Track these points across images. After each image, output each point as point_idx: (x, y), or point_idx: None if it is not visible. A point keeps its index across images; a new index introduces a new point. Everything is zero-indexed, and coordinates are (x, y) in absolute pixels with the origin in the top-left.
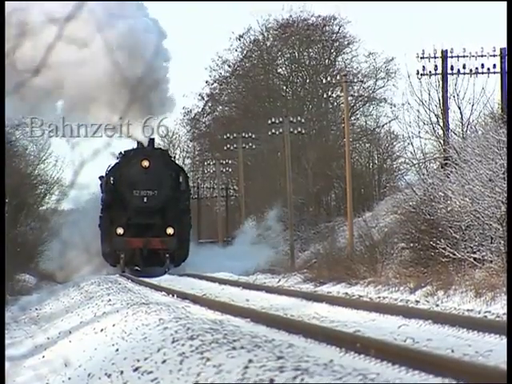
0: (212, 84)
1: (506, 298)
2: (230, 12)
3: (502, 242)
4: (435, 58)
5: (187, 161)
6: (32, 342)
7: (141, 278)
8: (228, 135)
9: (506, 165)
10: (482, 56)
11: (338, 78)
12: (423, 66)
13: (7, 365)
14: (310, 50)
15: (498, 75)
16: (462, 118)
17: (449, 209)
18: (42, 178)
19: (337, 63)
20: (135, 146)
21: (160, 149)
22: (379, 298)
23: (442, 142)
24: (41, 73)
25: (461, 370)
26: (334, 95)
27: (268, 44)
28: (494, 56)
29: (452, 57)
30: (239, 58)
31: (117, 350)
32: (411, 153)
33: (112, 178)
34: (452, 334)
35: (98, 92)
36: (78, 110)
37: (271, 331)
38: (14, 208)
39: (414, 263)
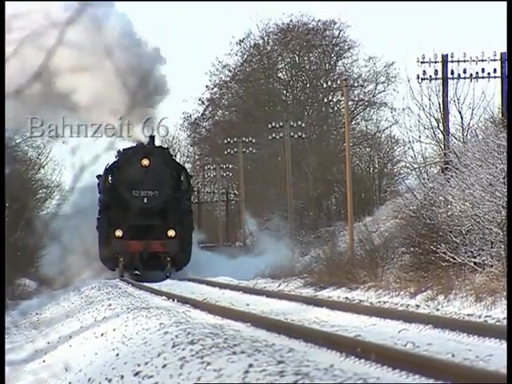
0: (212, 88)
1: (506, 302)
2: (230, 16)
3: (503, 246)
4: (435, 62)
5: (187, 165)
6: (32, 347)
7: (141, 283)
8: (228, 140)
9: (506, 169)
10: (482, 60)
11: (338, 82)
12: (423, 71)
13: (7, 369)
14: (311, 55)
15: (499, 80)
16: (462, 122)
17: (449, 213)
18: (43, 183)
19: (337, 68)
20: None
21: (160, 147)
22: (380, 302)
23: (442, 146)
24: (42, 77)
25: (461, 375)
26: (334, 99)
27: (268, 48)
28: (495, 60)
29: (452, 61)
30: (239, 63)
31: (117, 354)
32: (412, 157)
33: (110, 178)
34: (452, 339)
35: (100, 94)
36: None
37: (272, 336)
38: (14, 212)
39: (414, 268)
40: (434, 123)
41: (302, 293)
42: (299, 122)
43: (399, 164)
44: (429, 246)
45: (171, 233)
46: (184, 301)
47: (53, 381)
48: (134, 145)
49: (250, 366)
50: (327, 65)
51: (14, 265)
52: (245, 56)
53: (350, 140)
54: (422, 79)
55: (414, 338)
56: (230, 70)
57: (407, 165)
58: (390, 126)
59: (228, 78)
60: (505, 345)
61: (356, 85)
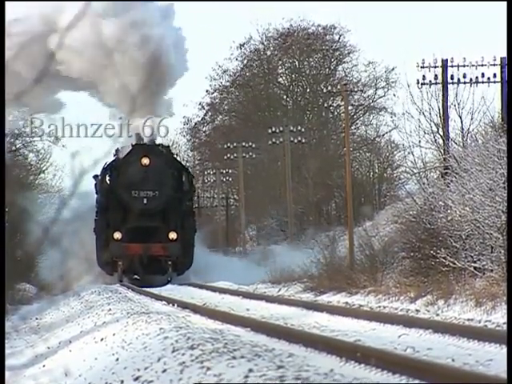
0: (212, 93)
1: (506, 307)
2: (230, 21)
3: (503, 251)
4: (435, 67)
5: None
6: (32, 352)
7: (141, 288)
8: (228, 144)
9: (506, 174)
10: (482, 65)
11: (338, 87)
12: (423, 76)
13: (7, 374)
14: (311, 60)
15: (498, 84)
16: (462, 127)
17: (449, 218)
18: (43, 188)
19: (337, 72)
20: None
21: (161, 145)
22: (379, 307)
23: (442, 151)
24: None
25: (461, 380)
26: (334, 104)
27: (268, 53)
28: (495, 65)
29: (452, 66)
30: (240, 68)
31: (117, 359)
32: (411, 162)
33: (108, 178)
34: (452, 344)
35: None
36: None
37: (271, 340)
38: (14, 217)
39: (414, 272)
40: (434, 128)
41: (302, 297)
42: (299, 127)
43: (399, 169)
44: (429, 250)
45: (172, 235)
46: (184, 306)
47: None
48: (134, 143)
49: (250, 370)
50: (327, 70)
51: (14, 270)
52: (245, 61)
53: (350, 145)
54: (421, 84)
55: (413, 343)
56: (230, 75)
57: (407, 170)
58: (390, 131)
59: (228, 83)
60: (505, 350)
61: (356, 90)
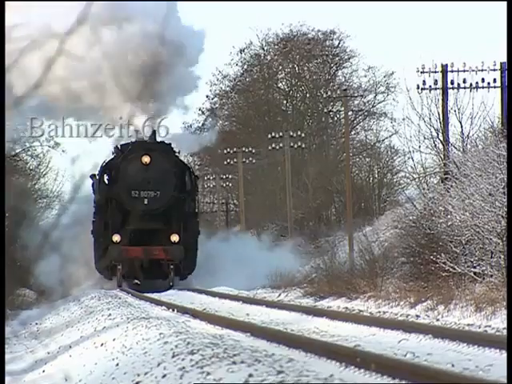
0: (212, 98)
1: (506, 312)
2: (230, 27)
3: (502, 256)
4: (435, 72)
5: None
6: (32, 357)
7: (141, 293)
8: (228, 150)
9: (506, 179)
10: (482, 70)
11: (338, 92)
12: (423, 81)
13: (7, 379)
14: (310, 65)
15: (498, 89)
16: (462, 132)
17: (449, 223)
18: (43, 193)
19: (337, 78)
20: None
21: (163, 142)
22: (379, 312)
23: (442, 156)
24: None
25: None
26: (334, 110)
27: (268, 58)
28: (494, 70)
29: (452, 71)
30: (240, 73)
31: (117, 364)
32: (411, 167)
33: (106, 177)
34: (452, 349)
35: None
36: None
37: (271, 346)
38: (14, 222)
39: (414, 278)
40: (434, 133)
41: (302, 303)
42: (299, 132)
43: (399, 174)
44: (429, 256)
45: (175, 238)
46: (184, 311)
47: None
48: (133, 140)
49: (250, 375)
50: (327, 75)
51: (14, 275)
52: (245, 66)
53: (350, 150)
54: (421, 89)
55: (413, 348)
56: (230, 80)
57: (407, 175)
58: (390, 136)
59: (228, 88)
60: (505, 355)
61: (356, 95)
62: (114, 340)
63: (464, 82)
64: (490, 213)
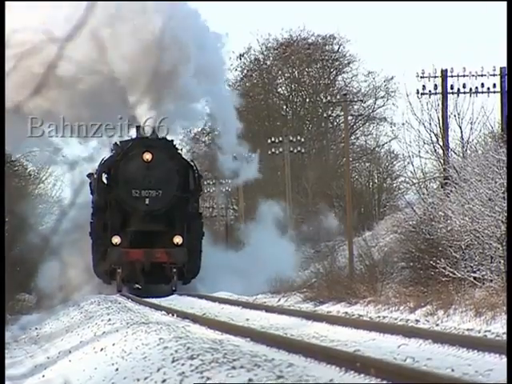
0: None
1: (505, 317)
2: (230, 31)
3: (502, 261)
4: (435, 77)
5: None
6: (32, 362)
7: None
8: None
9: (505, 184)
10: (481, 75)
11: (337, 97)
12: (423, 85)
13: None
14: (310, 69)
15: (498, 94)
16: (462, 137)
17: (449, 228)
18: (42, 198)
19: (337, 82)
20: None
21: (164, 138)
22: (379, 317)
23: (442, 161)
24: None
25: None
26: (333, 114)
27: (268, 63)
28: (494, 75)
29: (452, 76)
30: (239, 78)
31: (117, 369)
32: (411, 172)
33: (105, 176)
34: (452, 354)
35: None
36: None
37: (271, 350)
38: (13, 227)
39: (413, 282)
40: (434, 138)
41: (302, 307)
42: (299, 137)
43: (399, 179)
44: (428, 260)
45: (177, 240)
46: (183, 316)
47: None
48: (134, 137)
49: (250, 380)
50: (327, 80)
51: (14, 280)
52: (245, 71)
53: (350, 155)
54: (421, 94)
55: (413, 353)
56: (229, 85)
57: (407, 180)
58: (390, 141)
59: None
60: (505, 360)
61: (355, 100)
62: (113, 345)
63: (464, 86)
64: (489, 218)
